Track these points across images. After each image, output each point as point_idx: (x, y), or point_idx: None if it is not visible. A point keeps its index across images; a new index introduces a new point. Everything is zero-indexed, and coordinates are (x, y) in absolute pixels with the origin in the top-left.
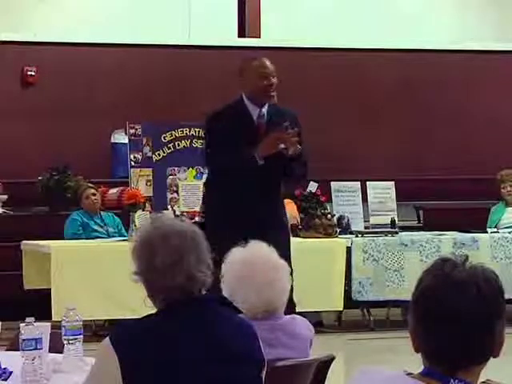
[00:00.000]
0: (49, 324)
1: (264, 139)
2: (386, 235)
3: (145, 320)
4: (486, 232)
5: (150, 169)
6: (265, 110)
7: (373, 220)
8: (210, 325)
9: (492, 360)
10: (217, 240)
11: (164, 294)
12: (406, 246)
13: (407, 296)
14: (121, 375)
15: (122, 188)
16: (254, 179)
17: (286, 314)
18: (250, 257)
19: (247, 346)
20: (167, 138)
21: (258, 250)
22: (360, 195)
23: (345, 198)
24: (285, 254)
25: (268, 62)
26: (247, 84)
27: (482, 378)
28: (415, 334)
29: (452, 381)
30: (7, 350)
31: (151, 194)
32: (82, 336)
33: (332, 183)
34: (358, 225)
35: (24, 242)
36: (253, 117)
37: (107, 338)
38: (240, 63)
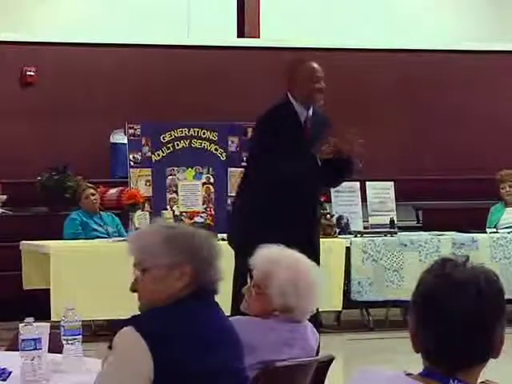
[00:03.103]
0: (48, 324)
1: (330, 141)
2: (385, 235)
3: (172, 308)
4: (486, 232)
5: (150, 169)
6: (311, 111)
7: (372, 220)
8: (223, 318)
9: (492, 360)
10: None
11: (207, 285)
12: (406, 246)
13: (406, 296)
14: (153, 372)
15: (121, 188)
16: (313, 184)
17: None
18: (303, 260)
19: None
20: (166, 138)
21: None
22: (359, 195)
23: (344, 198)
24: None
25: (318, 66)
26: (298, 86)
27: (481, 378)
28: (415, 334)
29: (451, 381)
30: (6, 350)
31: (151, 194)
32: (81, 336)
33: None
34: (357, 225)
35: (23, 242)
36: (301, 119)
37: (131, 329)
38: (289, 65)
